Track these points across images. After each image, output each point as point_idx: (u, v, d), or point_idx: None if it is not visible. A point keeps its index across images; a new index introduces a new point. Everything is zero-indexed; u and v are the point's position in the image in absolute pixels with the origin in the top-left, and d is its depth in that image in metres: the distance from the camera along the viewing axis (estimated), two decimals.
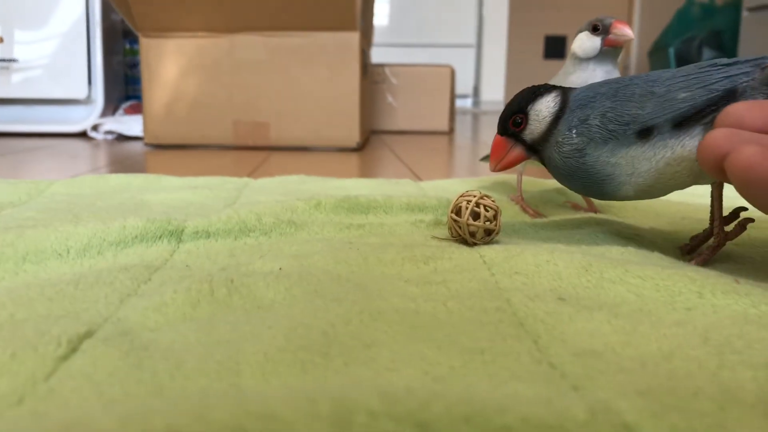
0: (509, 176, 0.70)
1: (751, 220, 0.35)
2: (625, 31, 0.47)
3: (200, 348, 0.22)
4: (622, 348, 0.23)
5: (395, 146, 1.21)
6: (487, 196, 0.38)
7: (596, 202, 0.54)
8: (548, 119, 0.37)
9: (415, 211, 0.48)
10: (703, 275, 0.30)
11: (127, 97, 1.50)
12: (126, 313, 0.26)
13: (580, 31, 0.50)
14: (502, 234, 0.41)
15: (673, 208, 0.53)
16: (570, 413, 0.16)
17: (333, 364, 0.21)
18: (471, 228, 0.37)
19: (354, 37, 1.10)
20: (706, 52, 2.28)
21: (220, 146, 1.14)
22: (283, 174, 0.72)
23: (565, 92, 0.38)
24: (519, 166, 0.55)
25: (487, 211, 0.37)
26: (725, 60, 0.34)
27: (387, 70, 1.57)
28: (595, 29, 0.48)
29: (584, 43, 0.49)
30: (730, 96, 0.32)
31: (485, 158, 0.60)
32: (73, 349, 0.22)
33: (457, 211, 0.38)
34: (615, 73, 0.49)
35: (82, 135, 1.35)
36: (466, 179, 0.70)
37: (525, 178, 0.66)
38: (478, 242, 0.38)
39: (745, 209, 0.36)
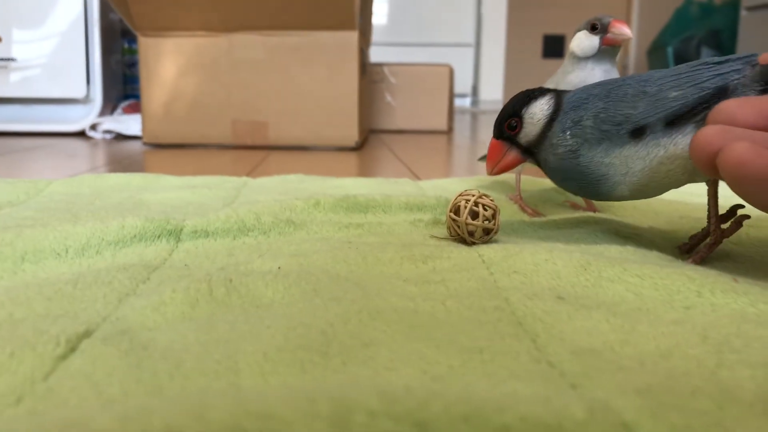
0: (508, 175, 0.70)
1: (747, 216, 0.35)
2: (623, 30, 0.47)
3: (199, 347, 0.22)
4: (620, 347, 0.23)
5: (394, 145, 1.21)
6: (485, 196, 0.38)
7: (595, 201, 0.54)
8: (543, 122, 0.38)
9: (413, 211, 0.48)
10: (702, 274, 0.30)
11: (126, 97, 1.50)
12: (125, 313, 0.26)
13: (579, 30, 0.50)
14: (501, 233, 0.41)
15: (672, 207, 0.53)
16: (568, 412, 0.16)
17: (332, 363, 0.21)
18: (470, 227, 0.37)
19: (353, 37, 1.10)
20: (705, 52, 2.28)
21: (219, 145, 1.14)
22: (281, 173, 0.72)
23: (558, 95, 0.38)
24: (517, 166, 0.55)
25: (486, 210, 0.37)
26: (716, 58, 0.34)
27: (386, 70, 1.57)
28: (593, 28, 0.48)
29: (582, 42, 0.49)
30: (722, 94, 0.32)
31: (483, 158, 0.60)
32: (72, 349, 0.22)
33: (456, 210, 0.38)
34: (614, 72, 0.49)
35: (81, 134, 1.35)
36: (464, 178, 0.70)
37: (523, 177, 0.66)
38: (476, 241, 0.38)
39: (741, 206, 0.37)
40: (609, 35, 0.48)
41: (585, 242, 0.39)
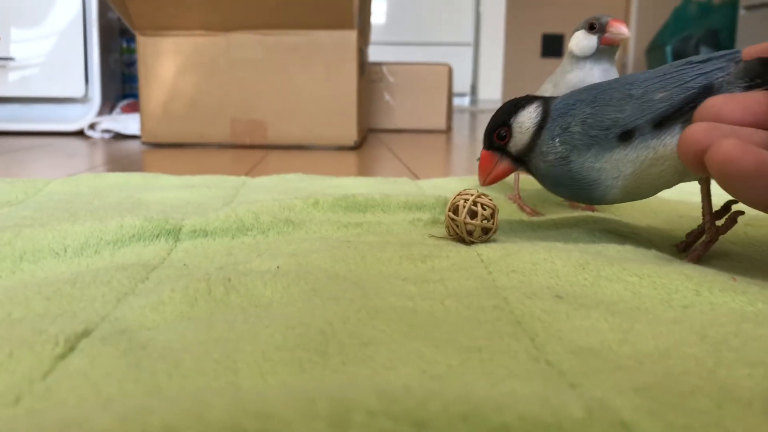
0: None
1: (741, 212, 0.35)
2: (621, 29, 0.47)
3: (198, 347, 0.22)
4: (619, 346, 0.23)
5: (393, 145, 1.21)
6: (484, 195, 0.38)
7: None
8: (531, 130, 0.38)
9: (412, 210, 0.48)
10: (700, 273, 0.30)
11: (124, 96, 1.50)
12: (123, 312, 0.26)
13: (577, 30, 0.50)
14: (500, 232, 0.41)
15: (670, 207, 0.53)
16: (567, 411, 0.16)
17: (331, 362, 0.21)
18: (468, 226, 0.37)
19: (351, 36, 1.10)
20: (704, 51, 2.28)
21: (218, 145, 1.14)
22: (280, 172, 0.72)
23: (546, 102, 0.38)
24: None
25: (485, 209, 0.37)
26: (700, 57, 0.34)
27: (384, 69, 1.57)
28: (591, 28, 0.48)
29: (581, 41, 0.49)
30: (707, 92, 0.32)
31: None
32: (71, 348, 0.22)
33: (455, 209, 0.38)
34: (612, 71, 0.49)
35: (79, 134, 1.35)
36: (463, 178, 0.70)
37: (522, 176, 0.66)
38: (475, 241, 0.38)
39: (735, 202, 0.37)
40: (607, 35, 0.47)
41: (583, 241, 0.39)
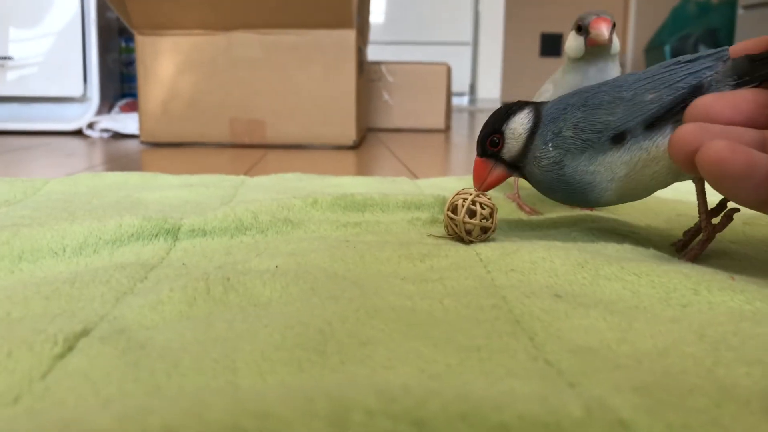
0: None
1: (737, 210, 0.35)
2: (600, 30, 0.45)
3: (197, 346, 0.22)
4: (617, 345, 0.23)
5: (392, 144, 1.21)
6: (483, 194, 0.38)
7: None
8: (524, 136, 0.38)
9: (411, 209, 0.48)
10: (699, 272, 0.30)
11: (123, 95, 1.50)
12: (122, 312, 0.26)
13: (571, 30, 0.49)
14: (499, 231, 0.41)
15: (669, 206, 0.53)
16: (566, 410, 0.16)
17: (329, 362, 0.21)
18: (467, 226, 0.37)
19: (350, 35, 1.09)
20: (702, 50, 2.29)
21: (217, 144, 1.14)
22: (279, 172, 0.72)
23: (537, 107, 0.38)
24: None
25: (483, 208, 0.37)
26: (688, 56, 0.34)
27: (383, 68, 1.57)
28: (579, 29, 0.47)
29: (571, 43, 0.48)
30: (697, 92, 0.32)
31: None
32: (70, 348, 0.22)
33: (454, 209, 0.38)
34: (609, 70, 0.48)
35: (78, 133, 1.35)
36: (462, 177, 0.70)
37: None
38: (474, 240, 0.38)
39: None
40: (590, 36, 0.46)
41: (582, 240, 0.39)
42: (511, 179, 0.61)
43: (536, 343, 0.23)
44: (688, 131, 0.30)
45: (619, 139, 0.34)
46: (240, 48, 1.10)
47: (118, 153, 1.03)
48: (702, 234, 0.35)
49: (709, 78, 0.32)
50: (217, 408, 0.16)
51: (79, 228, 0.38)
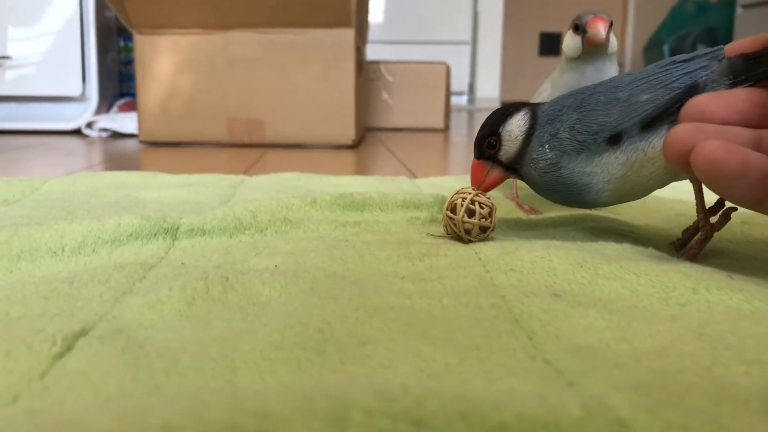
0: None
1: (734, 208, 0.35)
2: (597, 30, 0.45)
3: (196, 346, 0.22)
4: (616, 344, 0.23)
5: (391, 143, 1.21)
6: (482, 193, 0.38)
7: None
8: (520, 138, 0.38)
9: (410, 209, 0.48)
10: (697, 271, 0.30)
11: (122, 95, 1.50)
12: (121, 311, 0.26)
13: (569, 29, 0.49)
14: (497, 231, 0.41)
15: (668, 205, 0.53)
16: (565, 409, 0.16)
17: (329, 361, 0.21)
18: (466, 225, 0.37)
19: (349, 34, 1.09)
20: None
21: (215, 143, 1.14)
22: (278, 171, 0.72)
23: (533, 109, 0.38)
24: None
25: (482, 208, 0.37)
26: (683, 56, 0.34)
27: (382, 67, 1.57)
28: (576, 28, 0.46)
29: (568, 42, 0.48)
30: (692, 92, 0.32)
31: None
32: (68, 347, 0.22)
33: (453, 208, 0.38)
34: (607, 69, 0.47)
35: (77, 132, 1.35)
36: (461, 176, 0.70)
37: None
38: (473, 239, 0.38)
39: None
40: (587, 35, 0.45)
41: (581, 240, 0.39)
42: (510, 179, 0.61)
43: (535, 342, 0.23)
44: (682, 131, 0.30)
45: (615, 140, 0.34)
46: (239, 47, 1.10)
47: (117, 152, 1.03)
48: (700, 233, 0.36)
49: (704, 77, 0.32)
50: (217, 407, 0.16)
51: (77, 227, 0.38)
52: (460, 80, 2.89)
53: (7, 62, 1.32)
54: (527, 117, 0.38)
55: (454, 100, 2.76)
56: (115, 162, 0.90)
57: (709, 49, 0.34)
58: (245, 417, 0.15)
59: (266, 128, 1.12)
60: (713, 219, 0.36)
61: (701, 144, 0.28)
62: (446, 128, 1.60)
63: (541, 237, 0.40)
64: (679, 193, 0.58)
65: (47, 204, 0.51)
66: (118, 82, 1.48)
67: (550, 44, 3.48)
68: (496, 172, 0.40)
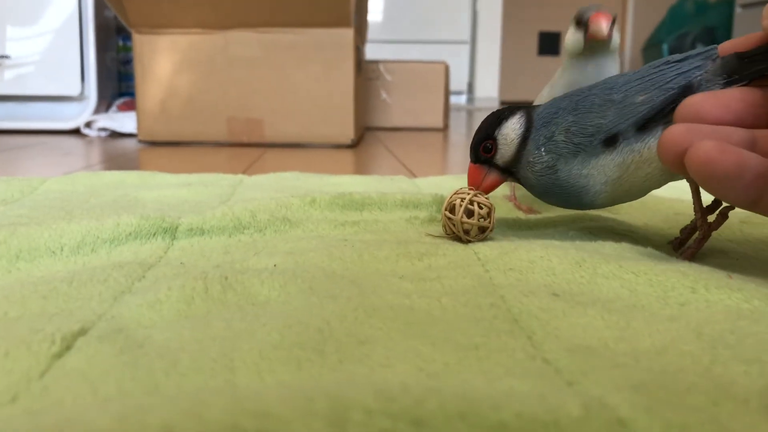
0: None
1: (732, 207, 0.35)
2: (600, 25, 0.44)
3: (195, 345, 0.22)
4: (615, 343, 0.23)
5: (390, 143, 1.21)
6: (480, 194, 0.38)
7: None
8: (516, 141, 0.38)
9: (409, 208, 0.48)
10: (696, 270, 0.30)
11: (121, 94, 1.50)
12: (120, 311, 0.26)
13: (570, 26, 0.49)
14: (496, 231, 0.41)
15: (667, 205, 0.53)
16: (564, 409, 0.16)
17: (328, 361, 0.21)
18: (465, 225, 0.37)
19: (348, 34, 1.09)
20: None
21: (215, 143, 1.14)
22: (277, 171, 0.72)
23: (528, 112, 0.38)
24: None
25: (481, 208, 0.37)
26: (677, 56, 0.34)
27: (381, 67, 1.57)
28: (578, 23, 0.46)
29: (570, 39, 0.47)
30: (687, 92, 0.32)
31: None
32: (67, 347, 0.22)
33: (451, 208, 0.38)
34: (608, 66, 0.47)
35: (76, 132, 1.35)
36: (460, 176, 0.70)
37: None
38: (472, 239, 0.38)
39: None
40: (589, 31, 0.45)
41: (580, 239, 0.39)
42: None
43: (534, 341, 0.23)
44: (676, 132, 0.30)
45: (611, 141, 0.34)
46: (238, 47, 1.10)
47: (116, 152, 1.03)
48: (698, 232, 0.36)
49: (698, 77, 0.32)
50: (216, 407, 0.16)
51: (76, 227, 0.38)
52: (459, 79, 2.89)
53: (6, 62, 1.32)
54: (523, 120, 0.38)
55: (453, 99, 2.76)
56: (114, 161, 0.90)
57: (703, 49, 0.33)
58: (245, 417, 0.15)
59: (265, 128, 1.12)
60: (711, 218, 0.36)
61: (695, 145, 0.28)
62: (445, 128, 1.60)
63: (540, 237, 0.40)
64: (678, 192, 0.58)
65: (46, 203, 0.51)
66: (117, 82, 1.48)
67: (549, 44, 3.48)
68: (492, 176, 0.40)
